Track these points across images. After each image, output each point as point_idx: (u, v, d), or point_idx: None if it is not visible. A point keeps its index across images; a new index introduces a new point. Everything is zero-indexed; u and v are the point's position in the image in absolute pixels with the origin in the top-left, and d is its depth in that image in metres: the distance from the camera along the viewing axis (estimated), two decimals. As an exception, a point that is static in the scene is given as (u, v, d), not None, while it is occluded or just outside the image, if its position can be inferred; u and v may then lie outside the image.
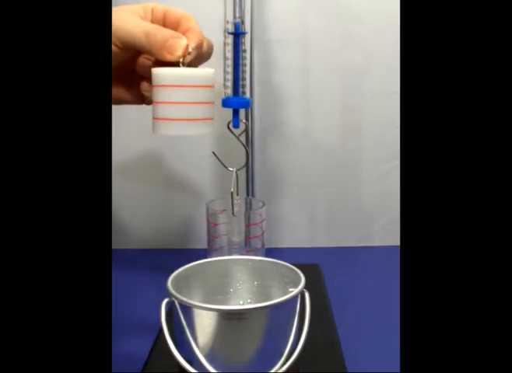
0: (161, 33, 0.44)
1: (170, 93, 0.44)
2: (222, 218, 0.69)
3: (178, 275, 0.48)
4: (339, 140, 0.87)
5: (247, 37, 0.71)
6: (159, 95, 0.44)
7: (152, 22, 0.46)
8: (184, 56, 0.44)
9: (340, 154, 0.87)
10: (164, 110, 0.44)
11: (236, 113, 0.68)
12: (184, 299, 0.43)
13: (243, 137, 0.75)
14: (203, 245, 0.73)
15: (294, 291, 0.44)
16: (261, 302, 0.43)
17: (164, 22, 0.46)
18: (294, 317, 0.45)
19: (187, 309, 0.43)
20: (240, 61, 0.68)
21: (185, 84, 0.44)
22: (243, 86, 0.69)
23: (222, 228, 0.69)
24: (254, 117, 0.82)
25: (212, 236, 0.70)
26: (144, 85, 0.47)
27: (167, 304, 0.44)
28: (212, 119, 0.46)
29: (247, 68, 0.70)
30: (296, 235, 0.90)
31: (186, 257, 0.51)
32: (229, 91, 0.68)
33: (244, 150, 0.73)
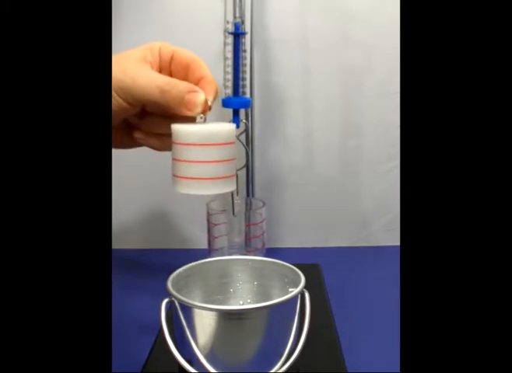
0: (176, 88, 0.41)
1: (192, 152, 0.41)
2: (222, 218, 0.69)
3: (178, 275, 0.48)
4: (339, 139, 0.87)
5: (247, 37, 0.71)
6: (181, 153, 0.42)
7: (161, 65, 0.44)
8: (204, 112, 0.42)
9: (340, 153, 0.87)
10: (186, 169, 0.42)
11: (236, 113, 0.68)
12: (184, 299, 0.43)
13: (243, 137, 0.75)
14: (203, 245, 0.73)
15: (294, 291, 0.44)
16: (261, 302, 0.43)
17: (172, 64, 0.44)
18: (294, 317, 0.45)
19: (187, 309, 0.43)
20: (240, 61, 0.68)
21: (209, 142, 0.41)
22: (243, 86, 0.69)
23: (222, 228, 0.69)
24: (254, 117, 0.82)
25: (212, 236, 0.70)
26: (137, 134, 0.46)
27: (167, 304, 0.44)
28: (234, 175, 0.44)
29: (247, 68, 0.70)
30: (296, 235, 0.90)
31: (186, 257, 0.51)
32: (229, 91, 0.68)
33: (244, 150, 0.73)
